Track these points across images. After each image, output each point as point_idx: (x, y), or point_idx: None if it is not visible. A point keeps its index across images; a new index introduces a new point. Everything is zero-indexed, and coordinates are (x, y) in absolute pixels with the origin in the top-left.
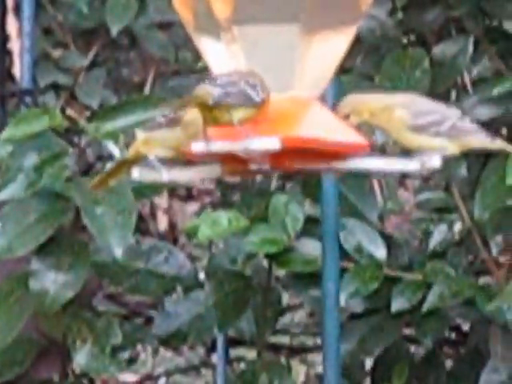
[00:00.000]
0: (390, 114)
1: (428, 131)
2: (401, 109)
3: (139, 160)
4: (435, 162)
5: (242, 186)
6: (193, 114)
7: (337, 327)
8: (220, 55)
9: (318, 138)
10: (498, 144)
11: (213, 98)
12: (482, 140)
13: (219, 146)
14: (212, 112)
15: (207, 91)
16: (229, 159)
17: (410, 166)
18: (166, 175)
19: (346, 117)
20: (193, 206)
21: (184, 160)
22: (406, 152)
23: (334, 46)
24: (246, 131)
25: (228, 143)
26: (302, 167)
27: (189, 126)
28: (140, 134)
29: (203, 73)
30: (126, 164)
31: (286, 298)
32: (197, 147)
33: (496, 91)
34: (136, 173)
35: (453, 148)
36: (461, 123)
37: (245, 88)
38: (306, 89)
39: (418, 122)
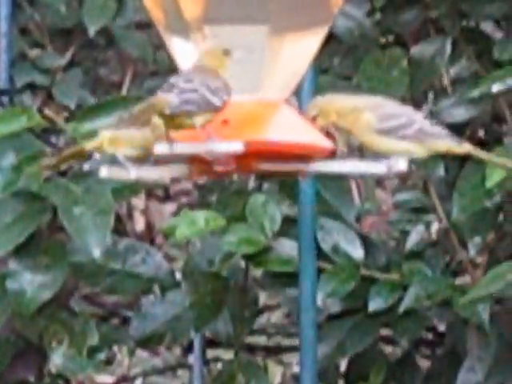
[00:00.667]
0: (358, 116)
1: (395, 134)
2: (368, 111)
3: (95, 153)
4: (402, 165)
5: (220, 186)
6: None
7: (313, 327)
8: (189, 55)
9: (282, 141)
10: (465, 148)
11: (170, 107)
12: (449, 144)
13: (183, 148)
14: (173, 118)
15: (165, 100)
16: (195, 160)
17: (377, 169)
18: (133, 173)
19: (314, 118)
20: (170, 207)
21: (152, 159)
22: (374, 155)
23: (304, 47)
24: (209, 134)
25: (192, 146)
26: (267, 169)
27: (156, 128)
28: (106, 132)
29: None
30: (81, 153)
31: (262, 299)
32: (160, 149)
33: (474, 93)
34: (104, 171)
35: (420, 151)
36: (428, 126)
37: (205, 94)
38: (275, 90)
39: (384, 125)
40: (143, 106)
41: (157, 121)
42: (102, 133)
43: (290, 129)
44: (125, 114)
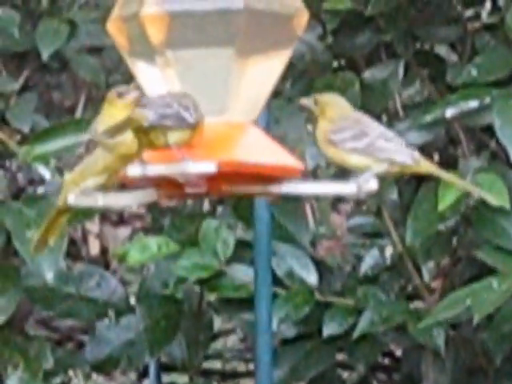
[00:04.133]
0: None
1: (343, 146)
2: (326, 122)
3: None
4: (372, 185)
5: (173, 210)
6: (123, 136)
7: (269, 352)
8: (154, 79)
9: (253, 162)
10: (423, 166)
11: (148, 121)
12: (402, 160)
13: (155, 169)
14: (147, 135)
15: (142, 115)
16: (164, 183)
17: (347, 189)
18: (101, 201)
19: (316, 103)
20: (124, 231)
21: (119, 185)
22: (342, 175)
23: (268, 69)
24: (182, 154)
25: (164, 167)
26: (238, 191)
27: (118, 148)
28: (67, 176)
29: None
30: (61, 213)
31: (218, 323)
32: (133, 171)
33: (428, 118)
34: (71, 199)
35: (378, 168)
36: (379, 142)
37: (178, 110)
38: (241, 112)
39: (335, 137)
40: (121, 121)
41: (120, 140)
42: (65, 181)
43: (260, 150)
44: (103, 130)
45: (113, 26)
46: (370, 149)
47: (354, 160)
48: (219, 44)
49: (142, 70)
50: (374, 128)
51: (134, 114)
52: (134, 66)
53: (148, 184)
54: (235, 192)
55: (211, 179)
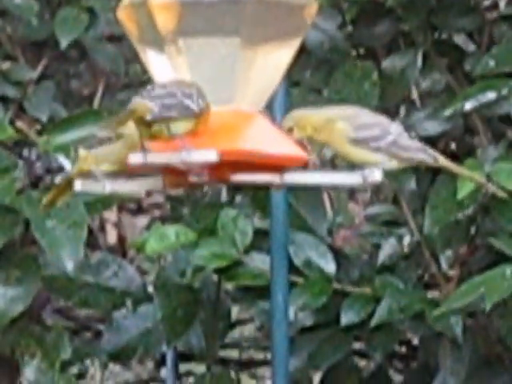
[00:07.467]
0: (332, 126)
1: (367, 145)
2: (342, 121)
3: (85, 175)
4: (377, 176)
5: (192, 199)
6: (132, 127)
7: (286, 341)
8: (164, 67)
9: (256, 150)
10: (440, 162)
11: (152, 113)
12: (423, 158)
13: (157, 157)
14: (150, 126)
15: (146, 106)
16: (170, 171)
17: (352, 180)
18: (108, 187)
19: (290, 130)
20: (142, 220)
21: (127, 172)
22: (349, 166)
23: (277, 58)
24: (184, 143)
25: (166, 155)
26: (240, 180)
27: (128, 138)
28: (82, 152)
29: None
30: (72, 181)
31: (235, 312)
32: (134, 159)
33: (447, 112)
34: (78, 185)
35: (393, 163)
36: (402, 140)
37: (182, 99)
38: (249, 101)
39: (358, 135)
40: (123, 113)
41: (130, 129)
42: (80, 154)
43: (264, 139)
44: (102, 123)
45: (123, 14)
46: (392, 148)
47: (373, 158)
48: (227, 32)
49: (151, 58)
50: (393, 124)
51: (136, 105)
52: (143, 54)
53: (153, 171)
54: (238, 181)
55: (215, 168)
